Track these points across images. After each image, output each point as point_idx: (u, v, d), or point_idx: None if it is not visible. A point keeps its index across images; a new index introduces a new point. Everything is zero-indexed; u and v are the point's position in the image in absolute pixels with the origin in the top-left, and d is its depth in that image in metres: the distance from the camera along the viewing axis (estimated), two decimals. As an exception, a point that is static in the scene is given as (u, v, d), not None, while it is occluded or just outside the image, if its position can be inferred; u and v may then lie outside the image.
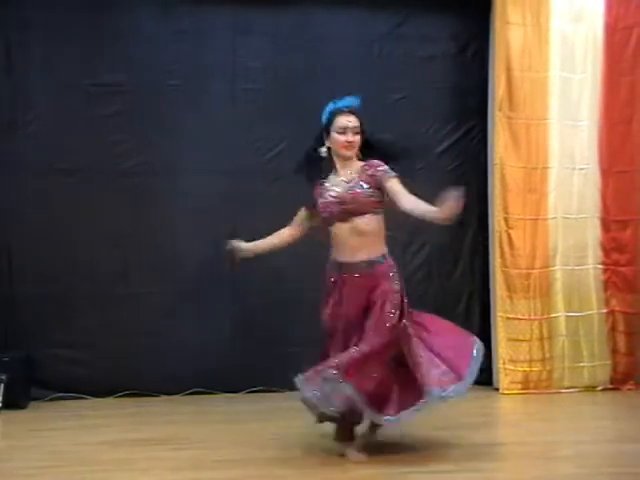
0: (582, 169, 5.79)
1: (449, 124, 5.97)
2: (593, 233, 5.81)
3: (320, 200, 4.00)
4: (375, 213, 3.96)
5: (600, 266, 5.81)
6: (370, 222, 3.94)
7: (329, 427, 4.02)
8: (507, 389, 5.65)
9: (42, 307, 5.43)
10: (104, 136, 5.50)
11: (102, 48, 5.49)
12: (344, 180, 3.98)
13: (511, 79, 5.67)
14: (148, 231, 5.56)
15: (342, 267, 3.94)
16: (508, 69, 5.66)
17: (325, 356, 3.92)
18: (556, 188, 5.74)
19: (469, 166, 5.99)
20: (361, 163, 4.02)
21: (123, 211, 5.53)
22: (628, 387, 5.77)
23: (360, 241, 3.92)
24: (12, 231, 5.45)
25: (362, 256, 3.92)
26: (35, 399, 5.34)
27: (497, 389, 5.70)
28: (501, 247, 5.69)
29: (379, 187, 3.93)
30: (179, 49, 5.61)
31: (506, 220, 5.69)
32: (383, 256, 3.98)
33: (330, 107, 4.06)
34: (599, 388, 5.77)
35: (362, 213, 3.92)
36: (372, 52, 5.84)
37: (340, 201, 3.93)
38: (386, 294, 3.88)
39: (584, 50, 5.78)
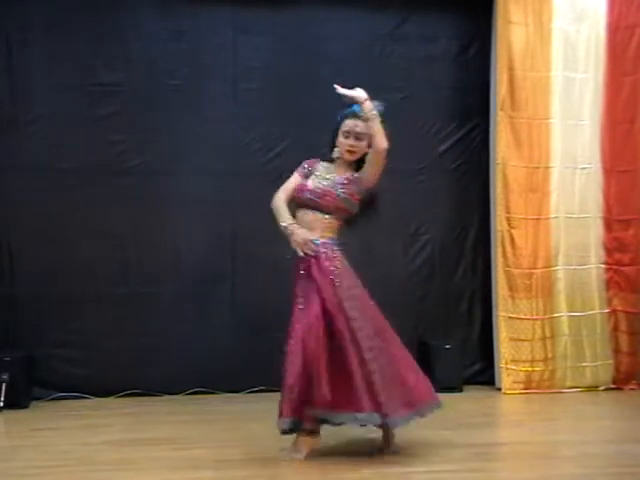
0: (584, 169, 5.79)
1: (451, 124, 5.96)
2: (595, 233, 5.80)
3: (302, 180, 3.98)
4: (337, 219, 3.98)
5: (602, 266, 5.81)
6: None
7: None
8: (509, 389, 5.65)
9: (43, 307, 5.43)
10: (104, 136, 5.51)
11: (102, 48, 5.50)
12: (331, 179, 3.97)
13: (513, 79, 5.67)
14: (148, 231, 5.55)
15: None
16: (510, 69, 5.66)
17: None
18: (558, 188, 5.74)
19: (471, 165, 5.99)
20: (356, 174, 4.01)
21: (123, 211, 5.53)
22: (630, 387, 5.78)
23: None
24: (12, 231, 5.45)
25: None
26: (36, 399, 5.34)
27: (499, 389, 5.70)
28: (503, 247, 5.69)
29: (355, 194, 3.96)
30: (179, 49, 5.61)
31: (508, 220, 5.69)
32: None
33: (346, 109, 4.05)
34: (601, 388, 5.77)
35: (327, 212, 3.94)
36: (373, 52, 5.84)
37: (315, 193, 3.93)
38: None
39: (586, 50, 5.77)
